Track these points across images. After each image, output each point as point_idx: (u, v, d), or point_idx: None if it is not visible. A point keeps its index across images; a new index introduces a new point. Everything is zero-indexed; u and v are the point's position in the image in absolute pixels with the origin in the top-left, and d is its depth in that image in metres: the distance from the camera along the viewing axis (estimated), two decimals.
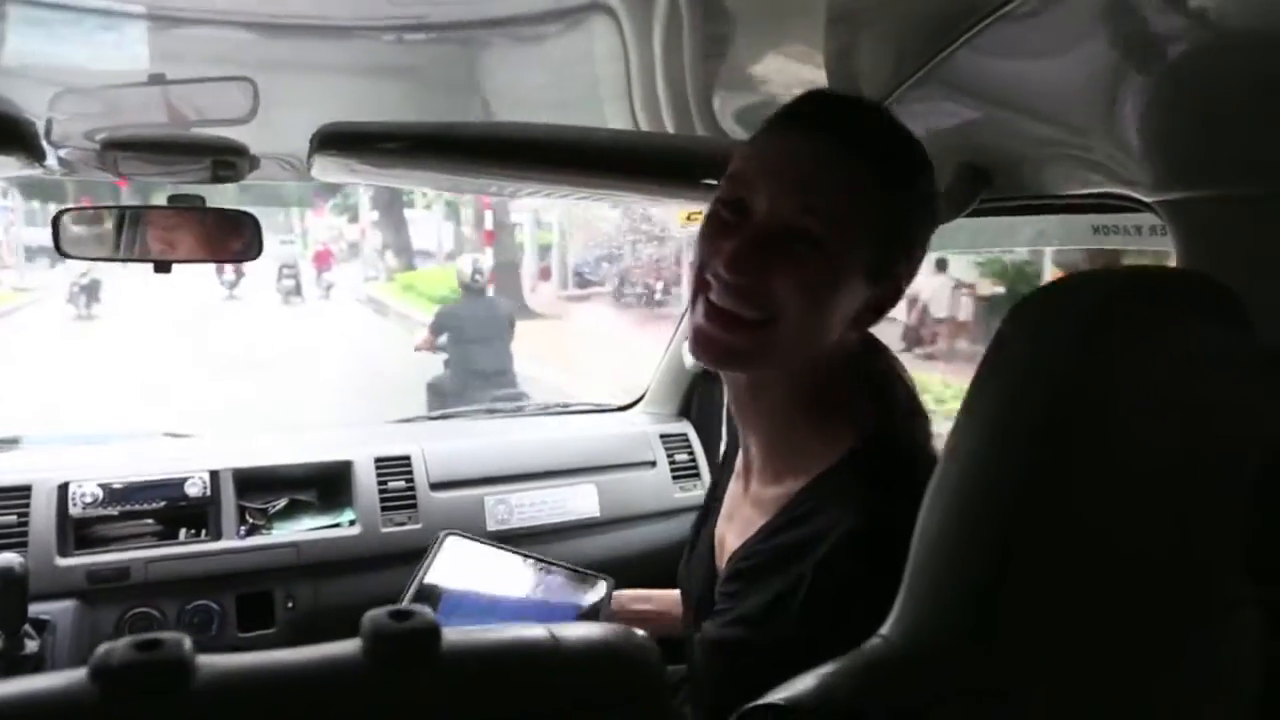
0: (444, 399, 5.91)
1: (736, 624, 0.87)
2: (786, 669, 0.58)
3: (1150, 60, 0.85)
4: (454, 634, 0.53)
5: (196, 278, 15.84)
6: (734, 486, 1.04)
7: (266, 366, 9.81)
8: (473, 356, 5.97)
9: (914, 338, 10.13)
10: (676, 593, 1.23)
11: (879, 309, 0.89)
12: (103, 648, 0.49)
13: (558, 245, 16.90)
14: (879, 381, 0.94)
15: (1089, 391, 0.54)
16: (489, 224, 14.33)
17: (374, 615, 0.52)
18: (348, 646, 0.52)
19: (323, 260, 18.61)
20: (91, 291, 14.70)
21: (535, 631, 0.57)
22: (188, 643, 0.49)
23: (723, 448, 2.22)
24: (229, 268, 15.47)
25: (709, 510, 1.09)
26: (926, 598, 0.59)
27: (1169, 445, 0.56)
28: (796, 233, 0.83)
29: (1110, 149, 0.97)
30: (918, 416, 0.93)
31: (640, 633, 0.61)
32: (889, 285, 0.88)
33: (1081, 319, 0.55)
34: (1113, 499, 0.55)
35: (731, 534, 0.98)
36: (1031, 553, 0.54)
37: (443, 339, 6.14)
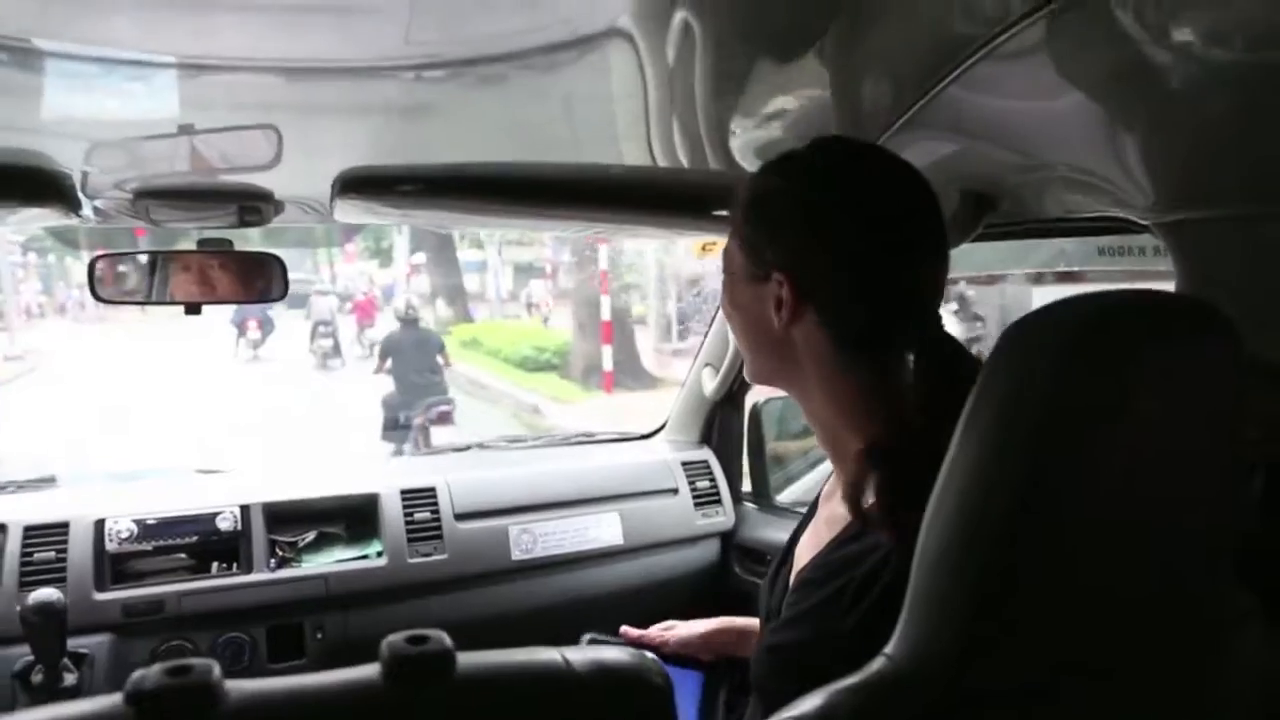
0: (394, 410, 7.58)
1: (785, 629, 0.92)
2: (829, 675, 0.60)
3: (1142, 87, 0.87)
4: (469, 658, 0.56)
5: (204, 332, 12.36)
6: (820, 505, 1.09)
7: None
8: (410, 375, 7.64)
9: None
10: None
11: (780, 307, 0.94)
12: (137, 674, 0.52)
13: (656, 288, 13.21)
14: (927, 394, 0.92)
15: (1078, 411, 0.55)
16: (604, 263, 10.77)
17: (392, 640, 0.55)
18: (368, 670, 0.55)
19: (365, 313, 15.15)
20: None
21: (548, 655, 0.59)
22: (216, 669, 0.52)
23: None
24: (252, 324, 13.72)
25: (803, 526, 1.12)
26: (929, 614, 0.60)
27: (1160, 463, 0.58)
28: None
29: (1107, 173, 0.98)
30: None
31: (650, 656, 0.63)
32: (774, 282, 0.94)
33: (1070, 341, 0.57)
34: (1105, 514, 0.56)
35: (806, 549, 1.02)
36: (1030, 569, 0.56)
37: (388, 364, 7.86)
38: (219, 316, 13.07)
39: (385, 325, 14.49)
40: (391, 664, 0.54)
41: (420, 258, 16.36)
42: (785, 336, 0.95)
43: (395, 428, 7.52)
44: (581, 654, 0.59)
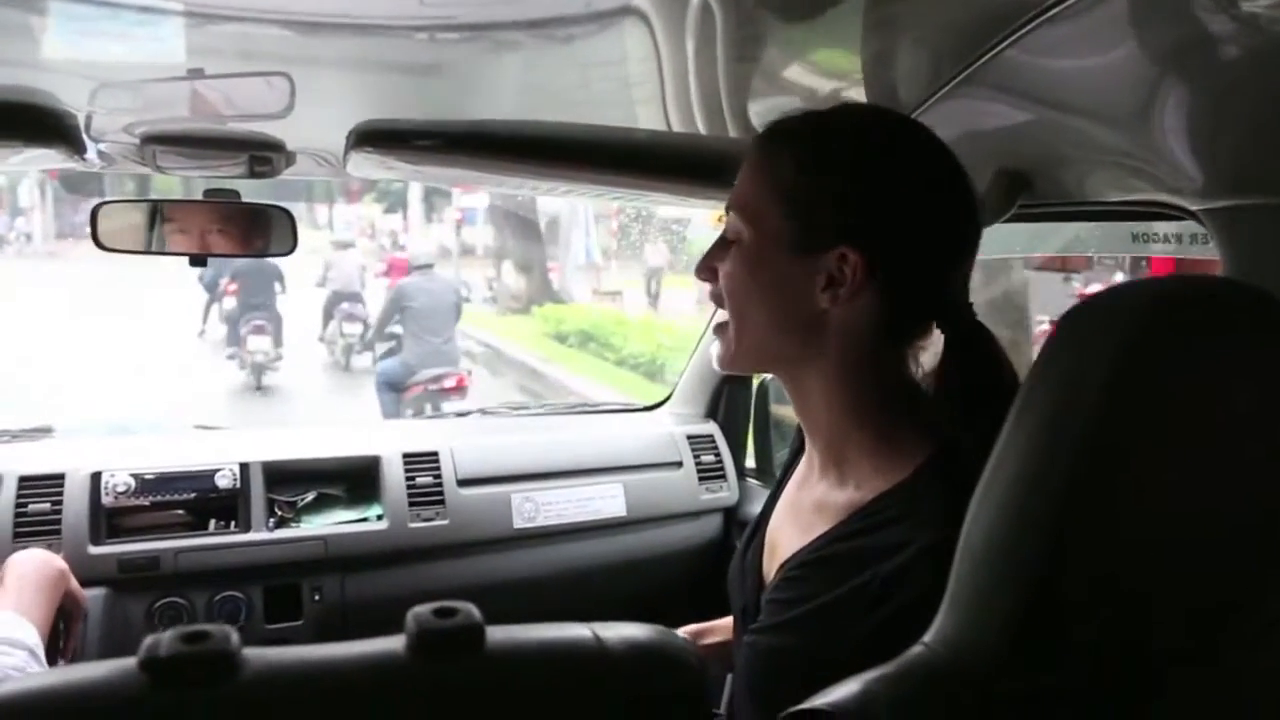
0: (234, 323, 9.26)
1: (790, 630, 0.86)
2: (843, 674, 0.57)
3: (1197, 64, 0.84)
4: (498, 632, 0.54)
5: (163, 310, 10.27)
6: (794, 491, 1.02)
7: None
8: (251, 295, 9.03)
9: None
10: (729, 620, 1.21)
11: (839, 283, 0.86)
12: (150, 639, 0.49)
13: None
14: (965, 383, 0.89)
15: (1135, 399, 0.53)
16: None
17: (418, 611, 0.52)
18: (392, 642, 0.52)
19: (400, 277, 9.47)
20: None
21: (579, 631, 0.57)
22: (234, 635, 0.50)
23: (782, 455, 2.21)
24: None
25: (765, 514, 1.07)
26: (971, 605, 0.58)
27: (1215, 454, 0.56)
28: (728, 239, 0.93)
29: (1154, 155, 0.96)
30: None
31: (680, 633, 0.61)
32: (832, 255, 0.85)
33: (1128, 327, 0.55)
34: (1159, 506, 0.54)
35: (786, 539, 0.96)
36: (1078, 559, 0.54)
37: (234, 285, 9.33)
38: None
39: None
40: (418, 637, 0.52)
41: (473, 201, 12.27)
42: (820, 318, 0.88)
43: (235, 338, 9.21)
44: (612, 630, 0.57)
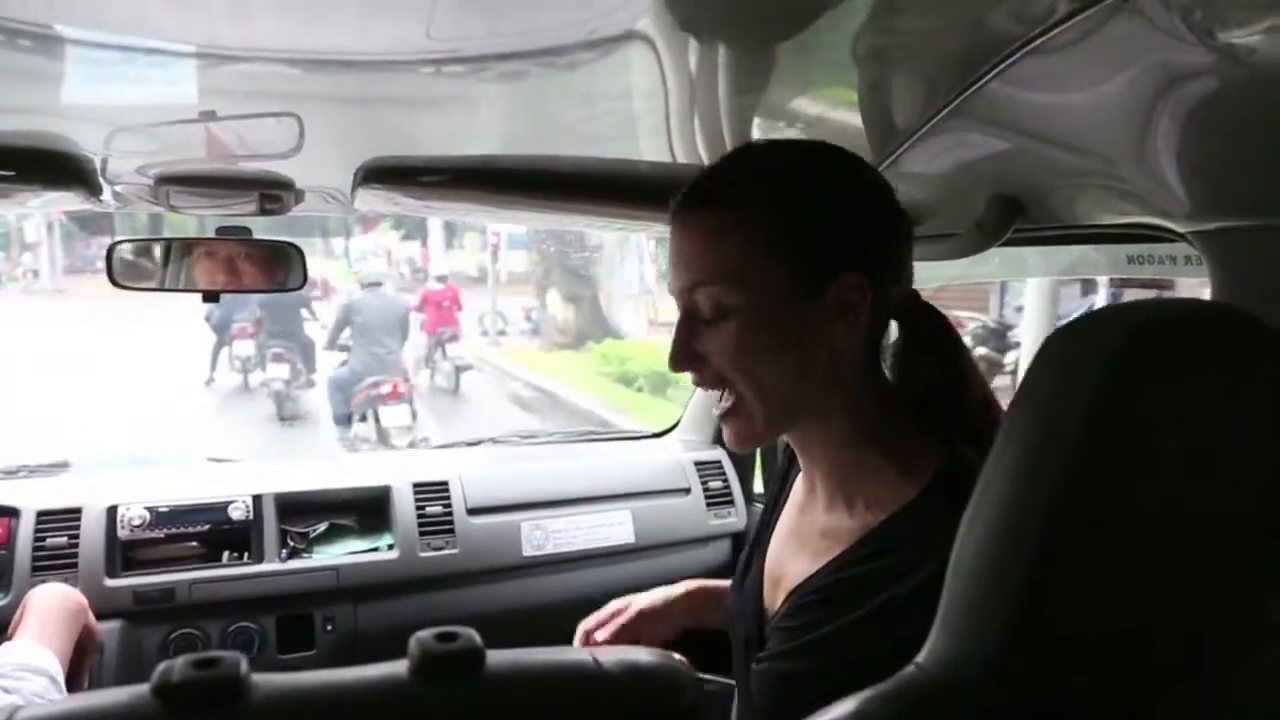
0: (262, 350, 9.16)
1: (804, 656, 0.85)
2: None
3: (1180, 92, 0.85)
4: (499, 655, 0.55)
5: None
6: (793, 518, 1.01)
7: None
8: (276, 323, 8.96)
9: None
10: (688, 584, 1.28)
11: (849, 310, 0.86)
12: (163, 665, 0.51)
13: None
14: (955, 401, 0.92)
15: (1119, 420, 0.54)
16: None
17: (421, 636, 0.54)
18: (395, 666, 0.54)
19: (442, 315, 9.84)
20: None
21: (578, 654, 0.58)
22: (244, 662, 0.52)
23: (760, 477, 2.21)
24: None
25: (759, 542, 1.06)
26: (961, 624, 0.59)
27: (1202, 474, 0.56)
28: (702, 314, 0.88)
29: (1144, 179, 0.97)
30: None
31: (677, 656, 0.63)
32: (841, 285, 0.86)
33: (1113, 348, 0.55)
34: (1147, 525, 0.55)
35: (791, 566, 0.95)
36: (1067, 579, 0.55)
37: (262, 314, 9.17)
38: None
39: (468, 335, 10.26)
40: (421, 661, 0.53)
41: (508, 226, 10.55)
42: (832, 353, 0.87)
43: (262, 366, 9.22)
44: (611, 654, 0.59)
